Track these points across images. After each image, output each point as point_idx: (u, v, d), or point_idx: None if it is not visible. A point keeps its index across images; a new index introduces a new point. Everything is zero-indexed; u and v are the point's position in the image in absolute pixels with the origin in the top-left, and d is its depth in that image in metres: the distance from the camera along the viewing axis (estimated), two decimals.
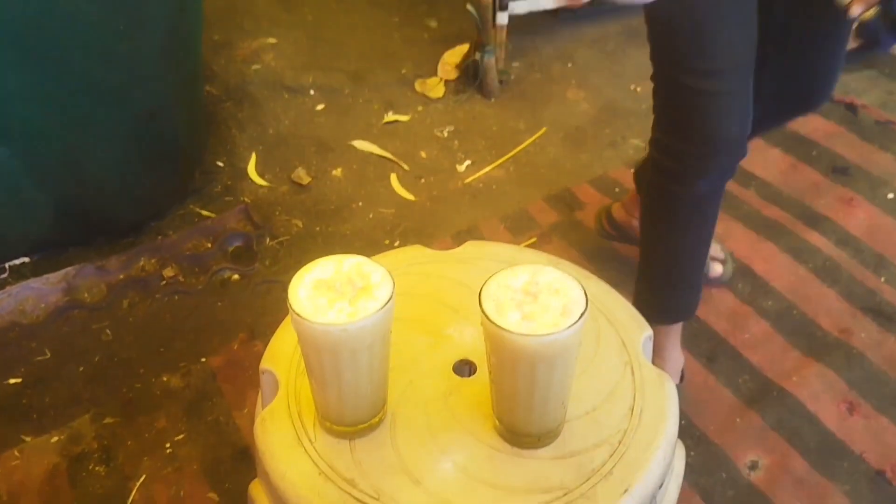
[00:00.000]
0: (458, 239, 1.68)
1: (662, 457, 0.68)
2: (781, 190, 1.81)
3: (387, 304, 0.61)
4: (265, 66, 2.21)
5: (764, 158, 1.90)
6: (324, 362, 0.63)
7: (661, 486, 0.70)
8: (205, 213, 1.73)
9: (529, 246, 1.65)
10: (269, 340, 1.39)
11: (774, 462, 1.28)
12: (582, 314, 0.60)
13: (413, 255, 0.89)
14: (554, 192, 1.81)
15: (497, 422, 0.69)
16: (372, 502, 0.65)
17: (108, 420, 1.34)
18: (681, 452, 0.75)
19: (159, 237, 1.67)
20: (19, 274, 1.57)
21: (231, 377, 1.41)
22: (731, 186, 1.83)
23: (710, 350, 1.45)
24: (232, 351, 1.46)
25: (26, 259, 1.60)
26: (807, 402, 1.36)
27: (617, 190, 1.80)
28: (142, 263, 1.61)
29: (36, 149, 1.41)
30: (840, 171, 1.85)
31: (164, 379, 1.41)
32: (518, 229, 1.71)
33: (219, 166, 1.86)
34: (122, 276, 1.58)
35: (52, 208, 1.52)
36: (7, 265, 1.58)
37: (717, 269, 1.57)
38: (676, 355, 1.34)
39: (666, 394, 0.73)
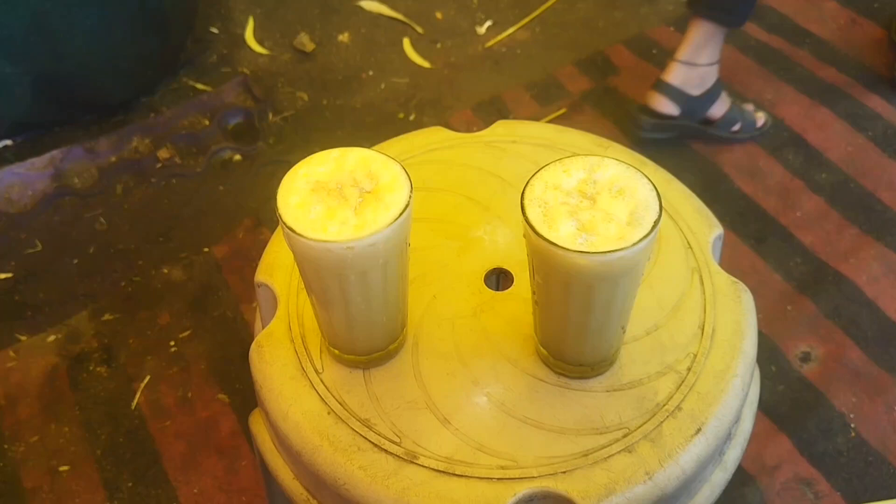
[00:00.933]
0: (480, 111, 1.52)
1: (741, 386, 0.57)
2: (838, 48, 1.62)
3: (402, 213, 0.48)
4: None
5: (819, 13, 1.70)
6: (327, 285, 0.51)
7: (737, 421, 0.58)
8: (200, 86, 1.57)
9: (559, 117, 1.49)
10: (276, 227, 1.27)
11: (829, 353, 1.17)
12: (655, 223, 0.47)
13: (432, 139, 0.74)
14: (585, 55, 1.63)
15: (541, 347, 0.58)
16: (392, 447, 0.54)
17: (107, 316, 1.25)
18: (757, 375, 0.64)
19: (152, 114, 1.52)
20: (2, 158, 1.44)
21: (237, 268, 1.30)
22: (782, 45, 1.64)
23: (757, 230, 1.32)
24: (237, 239, 1.34)
25: (8, 142, 1.46)
26: (865, 287, 1.24)
27: (655, 52, 1.62)
28: (134, 144, 1.47)
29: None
30: None
31: (165, 271, 1.30)
32: (546, 98, 1.55)
33: (213, 33, 1.68)
34: (113, 159, 1.45)
35: (29, 85, 1.37)
36: None
37: (760, 116, 1.46)
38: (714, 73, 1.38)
39: (743, 307, 0.61)
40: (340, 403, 0.56)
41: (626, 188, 0.49)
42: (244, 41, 1.67)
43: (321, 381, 0.57)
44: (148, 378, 1.17)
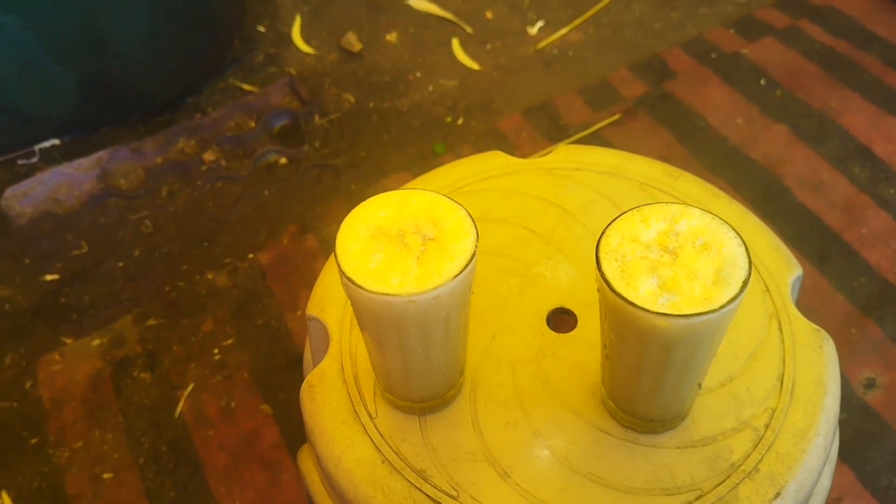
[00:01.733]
0: (530, 116, 1.48)
1: (823, 446, 0.53)
2: None
3: (468, 264, 0.45)
4: None
5: (889, 14, 1.62)
6: (385, 335, 0.48)
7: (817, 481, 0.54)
8: (246, 86, 1.55)
9: (613, 124, 1.45)
10: (321, 234, 1.22)
11: (895, 380, 1.12)
12: (744, 284, 0.43)
13: (490, 164, 0.71)
14: (640, 58, 1.58)
15: (608, 399, 0.54)
16: (449, 502, 0.51)
17: (150, 322, 1.24)
18: (837, 430, 0.60)
19: (198, 115, 1.51)
20: (50, 157, 1.44)
21: (281, 275, 1.29)
22: (848, 50, 1.57)
23: (821, 248, 1.27)
24: (281, 245, 1.32)
25: (56, 141, 1.46)
26: None
27: (714, 56, 1.56)
28: (180, 145, 1.46)
29: (47, 16, 1.24)
30: None
31: (210, 277, 1.29)
32: (598, 103, 1.50)
33: (260, 32, 1.66)
34: (159, 160, 1.44)
35: (76, 85, 1.37)
36: (37, 148, 1.45)
37: None
38: None
39: (825, 358, 0.57)
40: (395, 452, 0.53)
41: (712, 242, 0.45)
42: (291, 40, 1.65)
43: (375, 426, 0.55)
44: (191, 386, 1.16)
